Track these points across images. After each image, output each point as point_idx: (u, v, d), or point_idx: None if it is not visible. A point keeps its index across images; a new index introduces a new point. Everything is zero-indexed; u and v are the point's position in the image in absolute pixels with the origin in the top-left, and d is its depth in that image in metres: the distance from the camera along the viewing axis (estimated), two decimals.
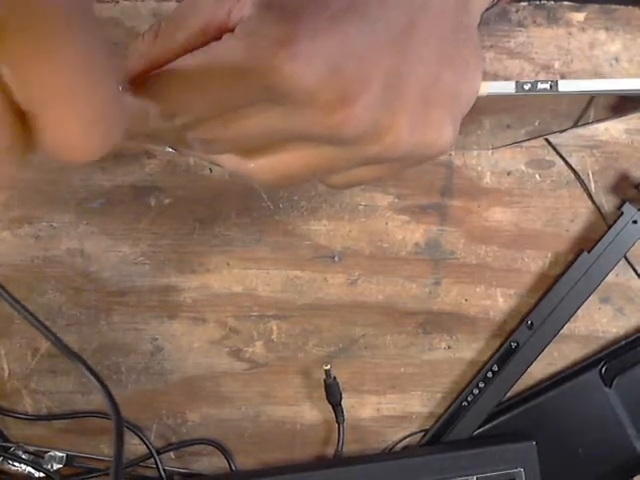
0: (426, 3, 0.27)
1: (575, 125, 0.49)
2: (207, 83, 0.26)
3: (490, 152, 0.49)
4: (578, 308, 0.49)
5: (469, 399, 0.51)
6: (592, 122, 0.48)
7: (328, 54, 0.25)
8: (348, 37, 0.25)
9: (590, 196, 0.50)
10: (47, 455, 0.52)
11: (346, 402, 0.51)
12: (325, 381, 0.50)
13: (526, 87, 0.35)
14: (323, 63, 0.24)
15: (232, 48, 0.25)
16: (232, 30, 0.26)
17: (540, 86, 0.35)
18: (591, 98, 0.48)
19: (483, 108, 0.47)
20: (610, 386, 0.51)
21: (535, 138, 0.49)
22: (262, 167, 0.29)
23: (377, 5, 0.26)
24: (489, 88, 0.34)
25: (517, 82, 0.35)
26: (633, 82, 0.36)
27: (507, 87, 0.35)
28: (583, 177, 0.50)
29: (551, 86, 0.35)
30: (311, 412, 0.53)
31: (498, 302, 0.51)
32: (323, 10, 0.25)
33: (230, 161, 0.30)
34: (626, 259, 0.50)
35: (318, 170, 0.29)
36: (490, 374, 0.51)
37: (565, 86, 0.36)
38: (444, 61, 0.28)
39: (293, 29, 0.24)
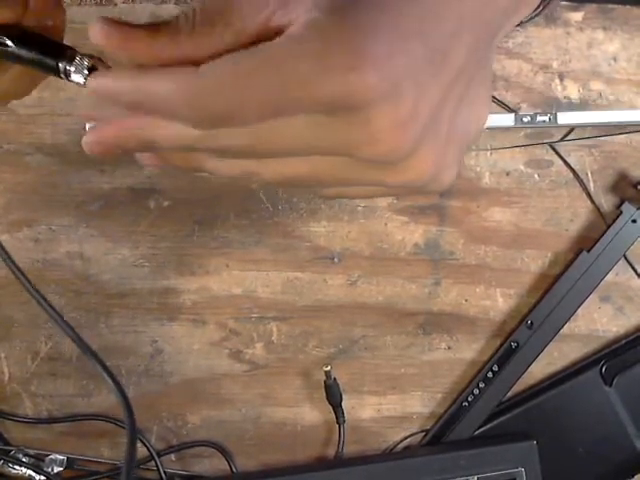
0: (462, 39, 0.26)
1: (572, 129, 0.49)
2: (259, 83, 0.24)
3: (489, 152, 0.49)
4: (578, 307, 0.49)
5: (469, 399, 0.51)
6: (591, 137, 0.48)
7: (395, 75, 0.24)
8: (414, 62, 0.24)
9: (589, 195, 0.50)
10: (48, 458, 0.51)
11: (346, 403, 0.51)
12: (325, 382, 0.50)
13: (525, 119, 0.35)
14: (390, 83, 0.24)
15: (297, 50, 0.24)
16: (281, 32, 0.24)
17: (539, 118, 0.35)
18: None
19: None
20: (610, 385, 0.51)
21: (535, 144, 0.49)
22: (271, 170, 0.28)
23: (433, 31, 0.25)
24: (488, 121, 0.34)
25: (516, 115, 0.35)
26: (632, 113, 0.36)
27: (506, 120, 0.35)
28: (582, 177, 0.50)
29: (550, 118, 0.35)
30: (311, 413, 0.53)
31: (498, 302, 0.51)
32: (395, 28, 0.24)
33: (234, 166, 0.28)
34: (625, 258, 0.50)
35: (327, 181, 0.28)
36: (490, 374, 0.51)
37: (564, 118, 0.36)
38: (466, 98, 0.27)
39: (369, 41, 0.23)
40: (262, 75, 0.24)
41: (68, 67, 0.27)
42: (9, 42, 0.27)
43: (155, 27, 0.26)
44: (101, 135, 0.26)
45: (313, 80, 0.23)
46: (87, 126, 0.34)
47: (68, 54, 0.27)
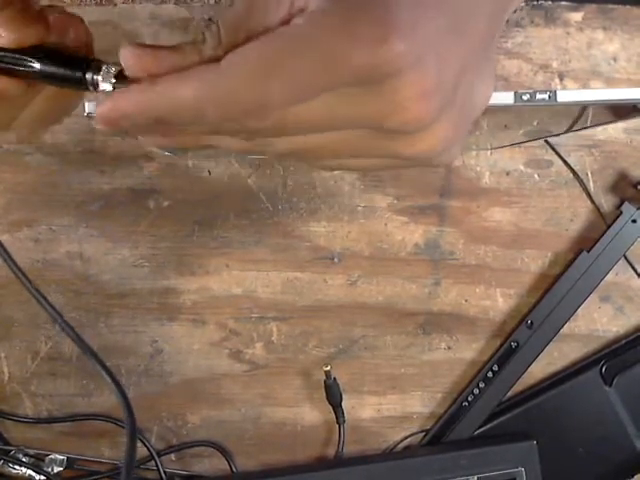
0: (481, 9, 0.26)
1: (573, 126, 0.49)
2: (287, 65, 0.23)
3: (489, 152, 0.49)
4: (578, 307, 0.49)
5: (469, 399, 0.51)
6: (591, 126, 0.48)
7: (420, 44, 0.24)
8: (436, 31, 0.24)
9: (589, 195, 0.50)
10: (48, 458, 0.52)
11: (346, 403, 0.51)
12: (325, 382, 0.50)
13: (525, 97, 0.35)
14: (415, 53, 0.23)
15: (320, 25, 0.23)
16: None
17: (538, 96, 0.35)
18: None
19: None
20: (610, 385, 0.51)
21: (534, 140, 0.49)
22: (286, 142, 0.27)
23: (460, 2, 0.25)
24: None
25: (516, 93, 0.35)
26: (631, 91, 0.36)
27: (506, 98, 0.34)
28: (582, 177, 0.50)
29: (549, 96, 0.35)
30: (311, 413, 0.53)
31: (498, 302, 0.51)
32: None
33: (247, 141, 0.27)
34: (625, 258, 0.50)
35: (342, 152, 0.28)
36: (490, 374, 0.51)
37: (563, 96, 0.35)
38: (477, 70, 0.27)
39: (392, 11, 0.23)
40: (289, 56, 0.23)
41: (95, 77, 0.27)
42: (35, 63, 0.27)
43: (181, 47, 0.25)
44: (117, 103, 0.24)
45: (341, 54, 0.23)
46: (86, 104, 0.33)
47: (94, 65, 0.27)
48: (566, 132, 0.49)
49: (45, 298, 0.33)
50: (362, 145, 0.27)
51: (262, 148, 0.27)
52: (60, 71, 0.27)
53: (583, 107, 0.48)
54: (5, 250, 0.33)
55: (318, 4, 0.24)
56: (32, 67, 0.27)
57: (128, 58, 0.24)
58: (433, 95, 0.24)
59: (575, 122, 0.49)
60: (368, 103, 0.25)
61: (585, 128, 0.48)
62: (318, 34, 0.23)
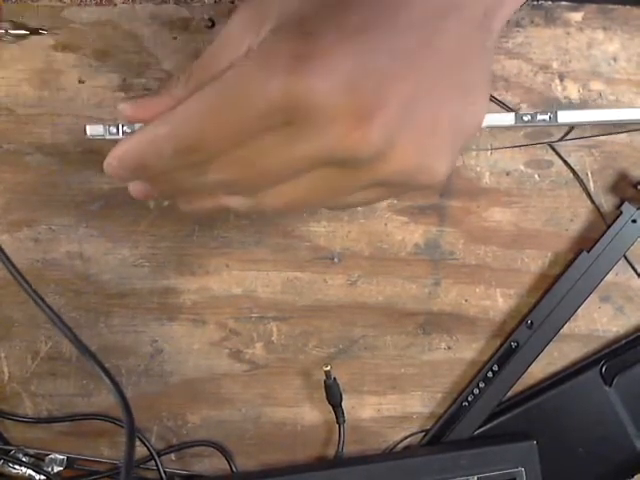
0: (445, 26, 0.26)
1: (572, 129, 0.49)
2: (224, 112, 0.25)
3: (489, 152, 0.49)
4: (578, 307, 0.49)
5: (469, 399, 0.51)
6: (593, 136, 0.48)
7: (345, 70, 0.24)
8: (365, 54, 0.25)
9: (589, 195, 0.50)
10: (48, 458, 0.52)
11: (346, 403, 0.51)
12: (325, 382, 0.50)
13: (525, 118, 0.35)
14: (340, 79, 0.24)
15: (245, 71, 0.24)
16: None
17: (539, 117, 0.35)
18: None
19: None
20: (610, 385, 0.51)
21: (535, 144, 0.49)
22: (270, 200, 0.29)
23: (394, 24, 0.25)
24: (488, 120, 0.33)
25: (516, 114, 0.35)
26: (633, 112, 0.36)
27: (506, 119, 0.34)
28: (582, 177, 0.50)
29: (550, 117, 0.35)
30: (311, 413, 0.53)
31: (498, 302, 0.51)
32: (338, 28, 0.25)
33: (243, 202, 0.30)
34: (626, 258, 0.50)
35: (326, 195, 0.28)
36: (490, 374, 0.51)
37: (564, 117, 0.35)
38: (457, 88, 0.27)
39: (308, 45, 0.24)
40: (216, 101, 0.25)
41: None
42: None
43: (160, 93, 0.30)
44: (112, 152, 0.29)
45: (263, 93, 0.24)
46: (88, 128, 0.35)
47: None
48: (565, 136, 0.49)
49: (43, 299, 0.33)
50: (336, 183, 0.28)
51: (259, 207, 0.29)
52: None
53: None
54: (3, 252, 0.33)
55: (260, 46, 0.25)
56: None
57: (126, 110, 0.31)
58: (371, 119, 0.25)
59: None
60: (309, 140, 0.25)
61: (590, 137, 0.48)
62: (247, 76, 0.24)
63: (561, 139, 0.49)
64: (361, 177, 0.27)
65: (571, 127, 0.48)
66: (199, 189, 0.30)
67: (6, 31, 0.47)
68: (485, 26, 0.28)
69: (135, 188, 0.34)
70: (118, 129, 0.33)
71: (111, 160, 0.29)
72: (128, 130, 0.32)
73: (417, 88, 0.26)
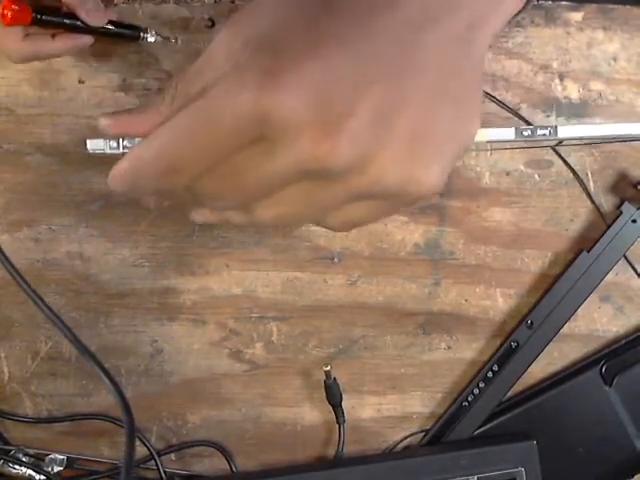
0: (422, 37, 0.26)
1: None
2: (200, 131, 0.25)
3: (489, 152, 0.49)
4: (578, 307, 0.49)
5: (469, 399, 0.51)
6: (599, 142, 0.48)
7: (313, 82, 0.24)
8: (332, 66, 0.25)
9: (589, 195, 0.50)
10: (48, 458, 0.52)
11: (346, 403, 0.51)
12: (325, 382, 0.50)
13: (525, 133, 0.35)
14: (308, 91, 0.24)
15: (219, 89, 0.25)
16: None
17: (539, 132, 0.35)
18: None
19: None
20: (610, 385, 0.51)
21: (535, 147, 0.49)
22: (262, 215, 0.29)
23: (363, 36, 0.25)
24: (489, 135, 0.33)
25: (516, 128, 0.35)
26: (634, 127, 0.36)
27: (507, 134, 0.34)
28: (582, 177, 0.50)
29: (550, 132, 0.35)
30: (311, 413, 0.53)
31: (498, 302, 0.51)
32: (305, 42, 0.25)
33: (238, 215, 0.31)
34: (625, 258, 0.50)
35: (311, 210, 0.29)
36: (490, 374, 0.51)
37: (564, 132, 0.35)
38: (440, 98, 0.27)
39: (277, 60, 0.24)
40: (193, 124, 0.26)
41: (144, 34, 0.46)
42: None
43: (145, 109, 0.30)
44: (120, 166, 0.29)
45: (232, 112, 0.24)
46: (88, 142, 0.35)
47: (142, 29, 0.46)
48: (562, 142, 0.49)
49: (42, 299, 0.33)
50: (317, 196, 0.28)
51: (255, 220, 0.30)
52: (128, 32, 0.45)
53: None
54: (2, 252, 0.33)
55: (230, 67, 0.26)
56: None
57: (104, 124, 0.31)
58: (342, 125, 0.25)
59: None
60: (281, 154, 0.25)
61: (589, 143, 0.48)
62: (212, 94, 0.25)
63: (559, 143, 0.48)
64: (339, 190, 0.27)
65: None
66: (197, 203, 0.31)
67: None
68: (468, 39, 0.28)
69: (143, 201, 0.35)
70: (119, 143, 0.33)
71: (109, 180, 0.30)
72: (129, 145, 0.32)
73: (392, 96, 0.26)
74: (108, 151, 0.34)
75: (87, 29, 0.42)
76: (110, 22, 0.43)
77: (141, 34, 0.45)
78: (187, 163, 0.27)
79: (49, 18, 0.41)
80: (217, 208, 0.31)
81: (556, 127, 0.35)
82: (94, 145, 0.34)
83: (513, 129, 0.35)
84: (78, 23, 0.42)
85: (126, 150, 0.32)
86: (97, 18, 0.42)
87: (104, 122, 0.31)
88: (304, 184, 0.27)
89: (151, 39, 0.46)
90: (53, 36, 0.42)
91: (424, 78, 0.26)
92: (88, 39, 0.43)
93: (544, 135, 0.35)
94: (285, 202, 0.28)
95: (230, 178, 0.27)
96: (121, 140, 0.33)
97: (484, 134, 0.33)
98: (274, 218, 0.29)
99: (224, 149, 0.26)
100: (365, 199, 0.29)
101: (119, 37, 0.45)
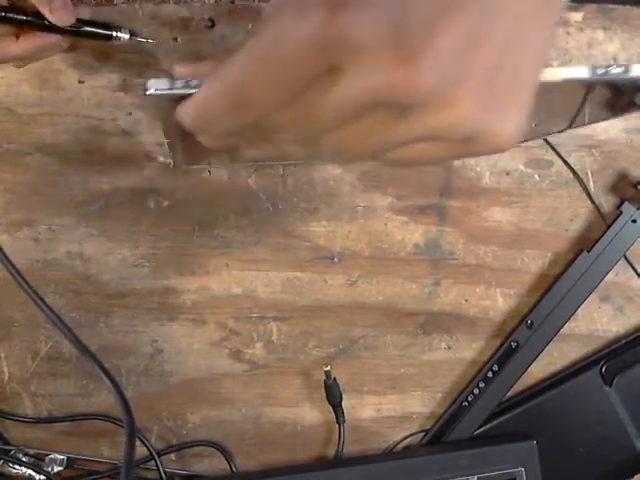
0: None
1: (571, 125, 0.49)
2: (266, 62, 0.24)
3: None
4: (578, 307, 0.49)
5: (469, 399, 0.51)
6: (588, 123, 0.48)
7: (390, 7, 0.23)
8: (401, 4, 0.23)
9: (589, 195, 0.50)
10: (48, 458, 0.52)
11: (346, 403, 0.51)
12: (325, 382, 0.50)
13: (599, 72, 0.34)
14: (385, 11, 0.23)
15: (282, 17, 0.24)
16: None
17: (613, 71, 0.34)
18: (585, 96, 0.48)
19: None
20: (610, 385, 0.51)
21: (534, 138, 0.49)
22: (328, 146, 0.28)
23: None
24: (563, 74, 0.33)
25: (591, 67, 0.34)
26: None
27: (581, 72, 0.34)
28: (582, 177, 0.50)
29: (624, 70, 0.35)
30: (311, 413, 0.53)
31: (498, 302, 0.51)
32: None
33: (300, 148, 0.29)
34: (625, 258, 0.50)
35: (381, 143, 0.27)
36: (490, 374, 0.51)
37: (637, 71, 0.35)
38: (517, 40, 0.25)
39: None
40: (258, 54, 0.25)
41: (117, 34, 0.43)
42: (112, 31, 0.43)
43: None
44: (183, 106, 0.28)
45: (304, 39, 0.23)
46: (148, 82, 0.34)
47: (116, 28, 0.43)
48: (564, 130, 0.49)
49: (43, 300, 0.33)
50: (388, 129, 0.26)
51: (316, 153, 0.29)
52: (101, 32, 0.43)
53: (580, 104, 0.48)
54: (3, 252, 0.33)
55: None
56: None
57: (179, 69, 0.34)
58: (422, 54, 0.23)
59: (573, 120, 0.49)
60: (354, 81, 0.24)
61: (583, 125, 0.48)
62: (274, 24, 0.24)
63: (562, 130, 0.48)
64: (413, 126, 0.26)
65: (568, 125, 0.48)
66: (262, 139, 0.29)
67: None
68: (542, 13, 0.27)
69: (209, 141, 0.32)
70: (186, 83, 0.33)
71: (179, 115, 0.29)
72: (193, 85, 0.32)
73: (477, 27, 0.24)
74: (171, 92, 0.34)
75: (55, 29, 0.40)
76: (81, 21, 0.41)
77: (113, 33, 0.43)
78: (255, 95, 0.25)
79: (12, 16, 0.39)
80: (281, 142, 0.29)
81: (628, 66, 0.35)
82: (155, 85, 0.34)
83: (587, 67, 0.34)
84: (46, 22, 0.40)
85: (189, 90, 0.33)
86: (64, 16, 0.40)
87: (179, 70, 0.33)
88: (377, 116, 0.26)
89: (125, 37, 0.43)
90: (17, 37, 0.41)
91: (507, 18, 0.25)
92: (57, 39, 0.42)
93: (617, 74, 0.34)
94: (353, 135, 0.27)
95: (301, 110, 0.26)
96: (186, 81, 0.32)
97: (557, 73, 0.32)
98: (337, 152, 0.28)
99: (293, 79, 0.24)
100: (438, 140, 0.27)
101: (90, 37, 0.43)
